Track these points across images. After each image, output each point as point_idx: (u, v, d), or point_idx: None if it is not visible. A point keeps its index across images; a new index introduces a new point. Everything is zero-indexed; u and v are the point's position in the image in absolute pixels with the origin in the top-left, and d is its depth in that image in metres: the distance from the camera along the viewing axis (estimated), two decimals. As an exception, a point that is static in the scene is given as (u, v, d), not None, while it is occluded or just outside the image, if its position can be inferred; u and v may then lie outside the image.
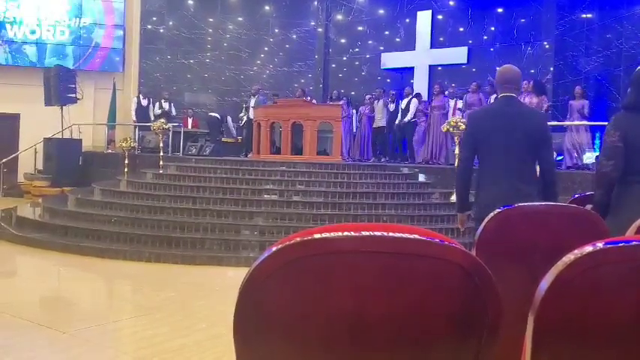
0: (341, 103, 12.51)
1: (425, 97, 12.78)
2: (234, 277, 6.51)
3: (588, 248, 1.05)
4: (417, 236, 1.02)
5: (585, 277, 1.02)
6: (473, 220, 3.55)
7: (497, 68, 3.66)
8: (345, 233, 1.00)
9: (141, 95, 14.06)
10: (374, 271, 1.02)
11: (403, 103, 12.23)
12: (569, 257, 1.03)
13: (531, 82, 10.23)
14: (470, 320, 1.06)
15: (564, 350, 1.04)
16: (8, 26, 14.28)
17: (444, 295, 1.05)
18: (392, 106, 12.52)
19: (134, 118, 13.78)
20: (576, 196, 3.10)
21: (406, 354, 1.05)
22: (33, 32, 14.45)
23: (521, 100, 9.81)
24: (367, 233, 1.00)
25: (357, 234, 1.00)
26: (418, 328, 1.05)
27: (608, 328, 1.04)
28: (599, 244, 1.06)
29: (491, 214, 1.92)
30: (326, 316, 1.03)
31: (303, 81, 16.05)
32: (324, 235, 1.00)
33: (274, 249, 1.02)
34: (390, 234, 1.00)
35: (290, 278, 1.02)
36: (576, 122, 9.69)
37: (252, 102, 12.98)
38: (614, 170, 2.86)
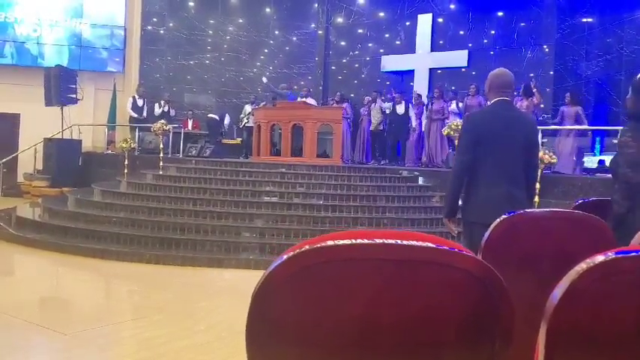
0: (344, 105, 12.50)
1: (424, 99, 12.78)
2: (234, 279, 6.51)
3: (600, 257, 1.05)
4: (429, 244, 1.02)
5: (598, 286, 1.02)
6: (463, 223, 3.50)
7: (493, 71, 3.55)
8: (358, 240, 1.00)
9: (136, 95, 14.00)
10: (386, 278, 1.02)
11: (398, 109, 12.20)
12: (582, 266, 1.03)
13: (522, 86, 10.29)
14: (482, 327, 1.06)
15: (577, 358, 1.04)
16: (9, 26, 14.27)
17: (455, 301, 1.05)
18: (389, 106, 12.46)
19: (135, 115, 13.67)
20: (580, 201, 3.08)
21: (419, 361, 1.05)
22: (34, 32, 14.44)
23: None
24: (380, 241, 1.00)
25: (369, 241, 1.00)
26: (430, 334, 1.05)
27: (620, 336, 1.04)
28: (611, 254, 1.06)
29: (497, 221, 1.92)
30: (339, 323, 1.03)
31: (303, 83, 16.04)
32: (337, 242, 1.00)
33: (287, 256, 1.02)
34: (403, 242, 1.00)
35: (303, 285, 1.02)
36: (576, 127, 9.68)
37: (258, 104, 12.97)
38: (623, 199, 2.80)
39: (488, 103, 3.67)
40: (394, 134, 12.32)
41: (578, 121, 9.59)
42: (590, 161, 9.64)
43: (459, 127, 8.75)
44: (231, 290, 5.93)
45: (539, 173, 6.97)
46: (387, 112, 12.42)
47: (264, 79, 14.25)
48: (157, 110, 13.71)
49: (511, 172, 3.37)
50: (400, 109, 12.13)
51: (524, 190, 3.41)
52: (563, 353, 1.03)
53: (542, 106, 10.85)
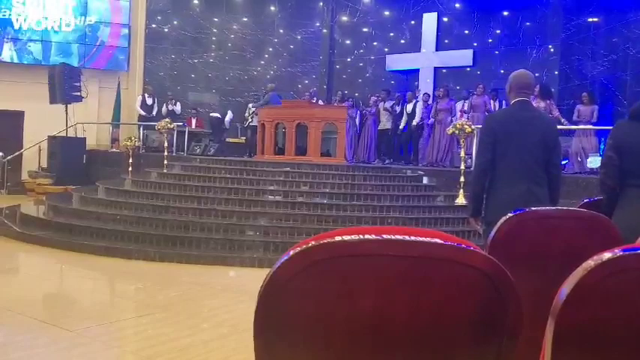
0: (346, 104, 12.46)
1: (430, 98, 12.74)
2: (238, 276, 6.51)
3: (607, 255, 1.04)
4: (438, 240, 1.02)
5: (605, 284, 1.01)
6: (484, 222, 3.53)
7: (514, 72, 3.63)
8: (367, 236, 0.99)
9: (146, 94, 14.04)
10: (395, 275, 1.02)
11: (408, 107, 12.16)
12: (589, 263, 1.02)
13: (537, 86, 10.20)
14: (490, 324, 1.06)
15: (584, 356, 1.04)
16: (14, 24, 14.30)
17: (464, 299, 1.05)
18: (397, 109, 12.45)
19: (144, 113, 13.71)
20: (586, 200, 3.10)
21: (427, 357, 1.05)
22: (38, 30, 14.47)
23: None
24: (389, 236, 1.00)
25: (378, 237, 1.00)
26: (439, 331, 1.05)
27: (628, 333, 1.04)
28: (618, 251, 1.05)
29: (504, 219, 1.92)
30: (347, 319, 1.03)
31: (307, 82, 16.05)
32: (345, 237, 1.00)
33: (293, 252, 1.01)
34: (412, 238, 1.00)
35: (310, 281, 1.02)
36: (582, 126, 9.66)
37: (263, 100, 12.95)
38: (607, 178, 2.98)
39: (510, 103, 3.71)
40: (409, 133, 12.23)
41: (592, 121, 9.60)
42: (594, 161, 9.60)
43: (464, 126, 8.75)
44: (236, 288, 5.94)
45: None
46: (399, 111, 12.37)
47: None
48: (164, 109, 13.74)
49: (529, 170, 3.41)
50: (410, 107, 12.11)
51: (546, 187, 3.44)
52: (569, 350, 1.03)
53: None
